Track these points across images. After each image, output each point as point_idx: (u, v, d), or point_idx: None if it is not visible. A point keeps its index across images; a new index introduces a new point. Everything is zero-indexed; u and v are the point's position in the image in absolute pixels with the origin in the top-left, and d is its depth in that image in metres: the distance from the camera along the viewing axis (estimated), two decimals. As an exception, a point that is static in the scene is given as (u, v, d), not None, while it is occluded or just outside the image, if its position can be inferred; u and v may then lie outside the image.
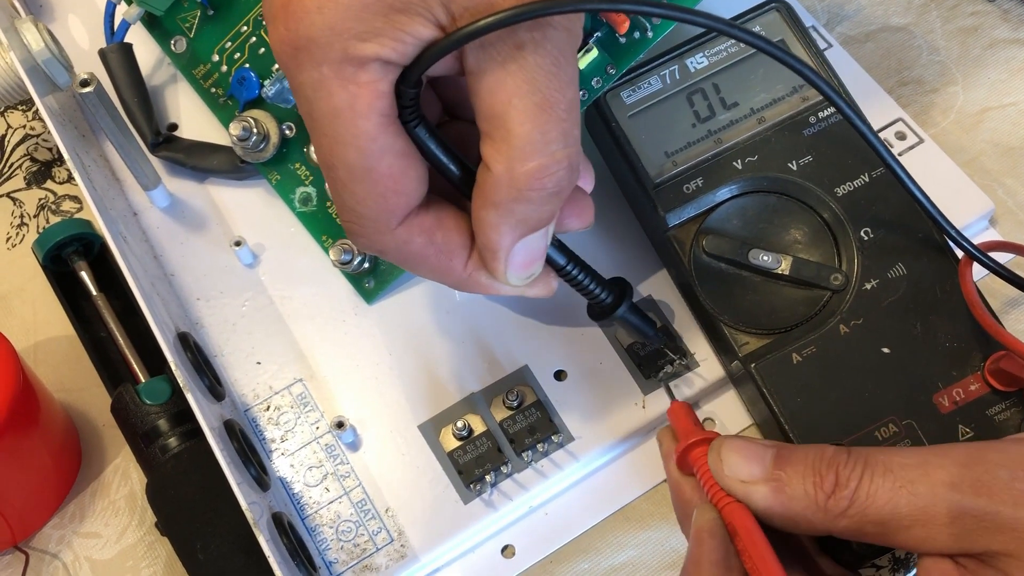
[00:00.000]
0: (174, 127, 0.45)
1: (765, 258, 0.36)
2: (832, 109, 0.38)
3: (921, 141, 0.43)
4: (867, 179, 0.37)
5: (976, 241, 0.41)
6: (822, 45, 0.45)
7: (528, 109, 0.27)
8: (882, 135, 0.43)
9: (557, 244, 0.34)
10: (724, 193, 0.38)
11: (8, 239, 0.44)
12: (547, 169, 0.28)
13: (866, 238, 0.36)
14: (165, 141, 0.43)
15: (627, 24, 0.36)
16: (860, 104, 0.39)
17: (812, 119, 0.38)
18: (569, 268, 0.34)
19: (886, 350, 0.35)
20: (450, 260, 0.31)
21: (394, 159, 0.28)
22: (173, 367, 0.34)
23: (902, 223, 0.37)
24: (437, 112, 0.34)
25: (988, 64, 0.46)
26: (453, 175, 0.31)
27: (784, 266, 0.36)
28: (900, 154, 0.43)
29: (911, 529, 0.28)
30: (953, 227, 0.35)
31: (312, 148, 0.40)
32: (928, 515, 0.28)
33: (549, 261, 0.34)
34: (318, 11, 0.26)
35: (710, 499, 0.31)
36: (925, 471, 0.29)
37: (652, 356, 0.39)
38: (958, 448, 0.29)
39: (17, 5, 0.45)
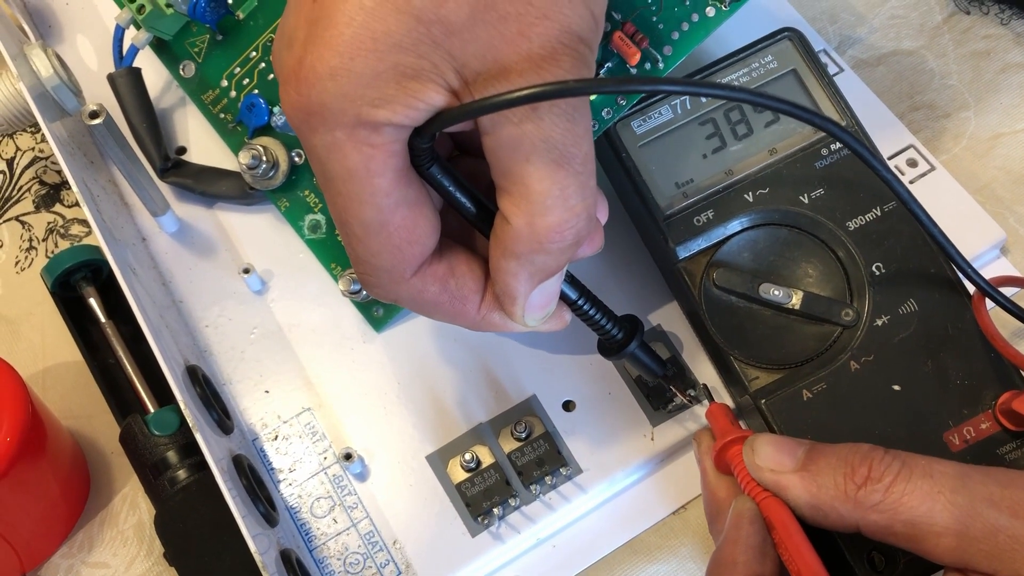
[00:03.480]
0: (183, 151, 0.45)
1: (776, 292, 0.36)
2: (844, 141, 0.38)
3: (932, 168, 0.43)
4: (879, 213, 0.37)
5: (987, 271, 0.41)
6: (833, 70, 0.45)
7: (546, 166, 0.27)
8: (893, 162, 0.43)
9: (569, 279, 0.34)
10: (735, 226, 0.37)
11: (17, 263, 0.44)
12: (567, 223, 0.28)
13: (877, 273, 0.36)
14: (174, 166, 0.43)
15: (638, 56, 0.36)
16: (871, 131, 0.39)
17: (824, 151, 0.38)
18: (581, 303, 0.35)
19: (896, 387, 0.35)
20: (464, 305, 0.31)
21: (408, 210, 0.29)
22: (182, 405, 0.34)
23: (914, 258, 0.36)
24: (448, 148, 0.34)
25: (1001, 89, 0.46)
26: (469, 212, 0.31)
27: (795, 301, 0.36)
28: (911, 182, 0.42)
29: (942, 537, 0.28)
30: (969, 264, 0.35)
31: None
32: (963, 526, 0.28)
33: (562, 296, 0.34)
34: (331, 78, 0.26)
35: (747, 494, 0.32)
36: (965, 483, 0.29)
37: (661, 388, 0.39)
38: (999, 470, 0.30)
39: (27, 28, 0.45)
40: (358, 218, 0.28)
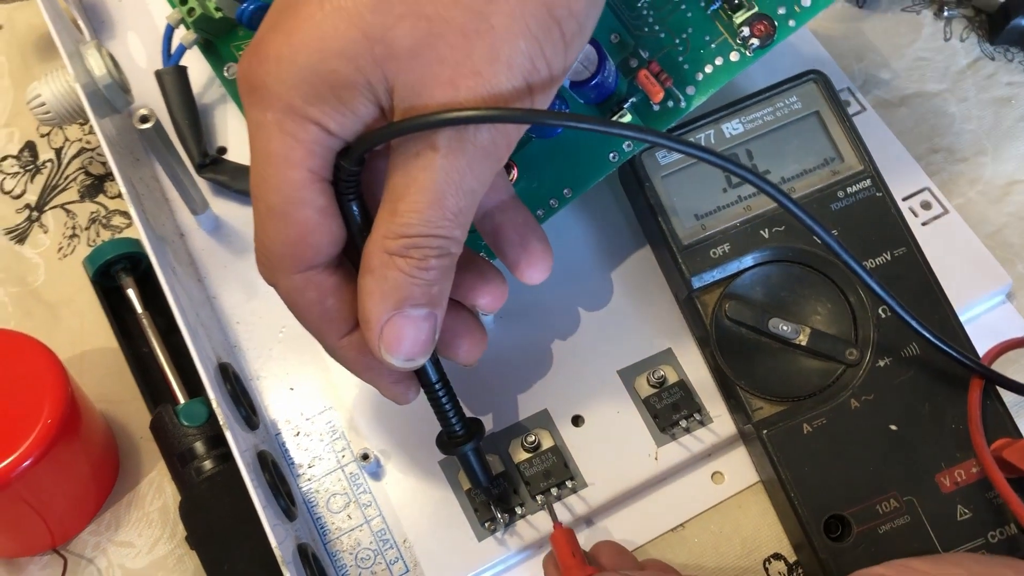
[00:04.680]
0: (223, 151, 0.47)
1: (784, 328, 0.38)
2: (860, 185, 0.39)
3: (946, 212, 0.44)
4: (889, 257, 0.38)
5: (992, 316, 0.42)
6: (855, 109, 0.46)
7: (419, 201, 0.29)
8: (908, 204, 0.44)
9: (435, 362, 0.35)
10: (749, 260, 0.39)
11: (60, 249, 0.46)
12: (418, 243, 0.29)
13: (883, 316, 0.38)
14: (211, 163, 0.45)
15: (661, 95, 0.37)
16: (888, 172, 0.40)
17: (840, 193, 0.39)
18: (437, 388, 0.36)
19: (893, 427, 0.36)
20: (329, 327, 0.33)
21: (312, 213, 0.30)
22: (214, 403, 0.35)
23: (920, 303, 0.38)
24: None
25: (1019, 136, 0.47)
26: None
27: (802, 337, 0.38)
28: (924, 224, 0.44)
29: None
30: (952, 347, 0.36)
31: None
32: None
33: (420, 374, 0.35)
34: (276, 61, 0.28)
35: None
36: None
37: (668, 409, 0.40)
38: None
39: (81, 25, 0.47)
40: (265, 199, 0.30)
